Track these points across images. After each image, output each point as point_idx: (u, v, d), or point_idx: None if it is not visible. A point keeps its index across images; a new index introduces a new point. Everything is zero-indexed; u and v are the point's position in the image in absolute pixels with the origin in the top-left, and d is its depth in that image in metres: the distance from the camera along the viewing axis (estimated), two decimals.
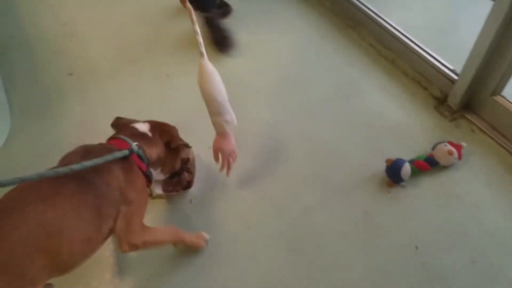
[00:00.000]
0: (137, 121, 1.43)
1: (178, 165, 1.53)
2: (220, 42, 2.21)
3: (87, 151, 1.19)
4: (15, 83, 2.23)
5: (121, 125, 1.41)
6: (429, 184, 1.61)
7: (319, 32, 2.32)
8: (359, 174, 1.67)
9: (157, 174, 1.44)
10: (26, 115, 2.07)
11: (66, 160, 1.17)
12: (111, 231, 1.16)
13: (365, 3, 2.23)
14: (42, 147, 1.87)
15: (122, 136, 1.29)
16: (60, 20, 2.57)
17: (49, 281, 1.09)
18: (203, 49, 1.34)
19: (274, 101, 1.99)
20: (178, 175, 1.62)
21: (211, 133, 1.48)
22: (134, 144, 1.26)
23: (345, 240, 1.49)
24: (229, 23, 2.34)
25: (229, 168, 1.54)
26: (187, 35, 2.31)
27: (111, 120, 1.43)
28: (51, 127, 1.97)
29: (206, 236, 1.52)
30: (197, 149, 1.72)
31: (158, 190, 1.61)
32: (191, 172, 1.67)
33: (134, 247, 1.21)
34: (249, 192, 1.67)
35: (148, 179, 1.33)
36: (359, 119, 1.88)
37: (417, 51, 1.96)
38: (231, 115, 1.42)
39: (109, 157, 1.12)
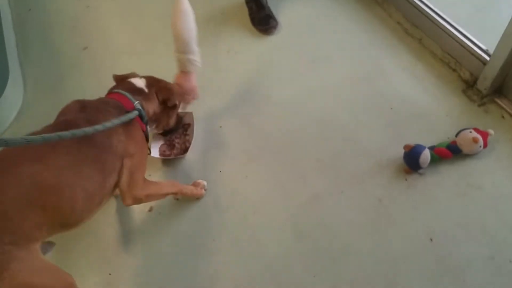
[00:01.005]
0: (134, 76, 1.43)
1: (173, 122, 1.55)
2: (261, 22, 2.12)
3: (82, 106, 1.20)
4: (30, 56, 2.24)
5: (119, 79, 1.43)
6: (449, 172, 1.51)
7: (344, 8, 2.19)
8: (375, 160, 1.59)
9: (151, 130, 1.46)
10: (40, 88, 2.08)
11: (63, 115, 1.19)
12: (116, 185, 1.19)
13: None
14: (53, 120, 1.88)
15: (121, 91, 1.29)
16: None
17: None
18: None
19: (292, 80, 1.91)
20: (171, 132, 1.64)
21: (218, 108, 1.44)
22: (137, 103, 1.28)
23: (356, 228, 1.44)
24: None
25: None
26: (205, 12, 2.24)
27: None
28: (64, 100, 1.95)
29: (204, 182, 1.55)
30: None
31: (154, 153, 1.62)
32: (189, 137, 1.68)
33: (138, 200, 1.24)
34: (257, 170, 1.62)
35: (146, 136, 1.35)
36: (380, 102, 1.77)
37: (447, 29, 1.81)
38: (196, 55, 1.47)
39: (117, 121, 1.12)
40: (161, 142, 1.70)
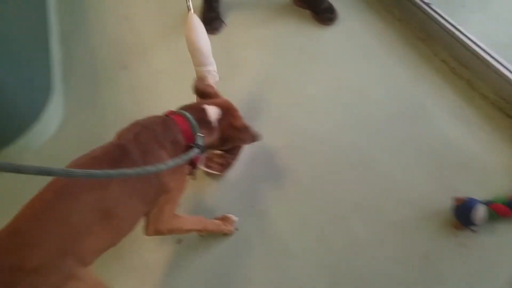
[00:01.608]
0: (216, 99, 1.37)
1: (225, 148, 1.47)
2: (322, 13, 2.22)
3: (139, 132, 1.17)
4: (72, 72, 2.23)
5: (200, 92, 1.40)
6: (509, 233, 1.36)
7: (383, 43, 2.11)
8: (420, 210, 1.46)
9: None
10: (79, 104, 2.06)
11: (120, 138, 1.18)
12: (146, 215, 1.20)
13: (441, 13, 1.98)
14: (92, 137, 1.85)
15: (191, 119, 1.23)
16: (121, 13, 2.55)
17: None
18: (190, 4, 1.48)
19: (327, 112, 1.82)
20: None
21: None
22: (199, 136, 1.22)
23: (396, 285, 1.30)
24: None
25: None
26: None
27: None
28: (102, 118, 1.96)
29: (235, 218, 1.49)
30: None
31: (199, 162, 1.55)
32: (234, 158, 1.63)
33: (159, 233, 1.24)
34: (291, 208, 1.52)
35: (194, 165, 1.32)
36: (424, 146, 1.65)
37: (500, 71, 1.70)
38: (213, 67, 1.50)
39: (179, 160, 1.08)
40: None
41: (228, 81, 1.98)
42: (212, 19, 2.24)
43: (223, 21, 2.27)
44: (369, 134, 1.72)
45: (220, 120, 1.32)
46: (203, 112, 1.30)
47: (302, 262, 1.39)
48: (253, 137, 1.42)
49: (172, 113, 1.28)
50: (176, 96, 1.98)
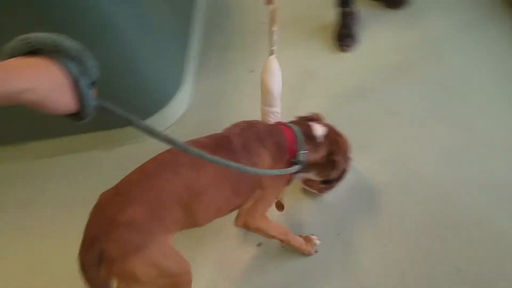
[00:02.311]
0: (318, 120, 1.45)
1: (334, 176, 1.49)
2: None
3: (245, 128, 1.29)
4: (206, 67, 2.47)
5: (302, 119, 1.47)
6: None
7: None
8: None
9: (310, 176, 1.49)
10: (205, 98, 2.28)
11: (227, 130, 1.31)
12: (238, 207, 1.28)
13: None
14: (207, 131, 1.95)
15: (298, 133, 1.31)
16: (261, 20, 2.64)
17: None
18: (275, 48, 1.55)
19: (451, 159, 1.64)
20: (330, 183, 1.57)
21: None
22: (302, 153, 1.28)
23: None
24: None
25: None
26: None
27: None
28: (222, 115, 2.13)
29: (317, 241, 1.49)
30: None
31: (298, 177, 1.59)
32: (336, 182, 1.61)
33: (246, 227, 1.30)
34: (378, 253, 1.43)
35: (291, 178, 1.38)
36: None
37: None
38: (278, 109, 1.59)
39: (277, 172, 1.19)
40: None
41: (347, 103, 1.96)
42: (344, 36, 2.24)
43: (355, 40, 2.24)
44: (491, 196, 1.50)
45: (326, 138, 1.36)
46: (309, 127, 1.36)
47: None
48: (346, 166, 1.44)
49: (280, 123, 1.36)
50: (295, 109, 2.04)
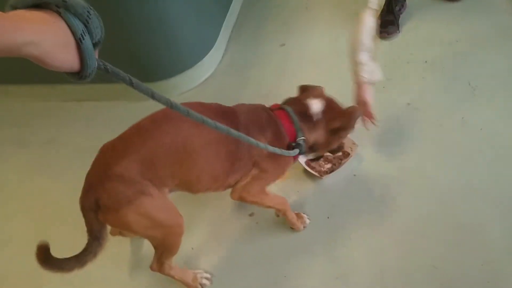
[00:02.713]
0: (317, 94, 1.41)
1: (333, 148, 1.51)
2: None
3: (250, 110, 1.32)
4: (239, 35, 2.49)
5: (302, 90, 1.47)
6: None
7: None
8: None
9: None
10: (232, 65, 2.31)
11: (240, 107, 1.34)
12: (235, 184, 1.33)
13: None
14: (228, 98, 1.89)
15: (293, 116, 1.32)
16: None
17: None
18: (373, 5, 1.41)
19: (470, 164, 1.58)
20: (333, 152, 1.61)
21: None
22: (301, 139, 1.31)
23: None
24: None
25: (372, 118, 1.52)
26: None
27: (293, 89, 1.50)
28: (244, 85, 2.17)
29: (307, 220, 1.54)
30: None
31: (301, 159, 1.65)
32: (338, 165, 1.66)
33: (242, 200, 1.36)
34: (366, 242, 1.46)
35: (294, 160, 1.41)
36: None
37: None
38: (374, 67, 1.42)
39: (278, 150, 1.18)
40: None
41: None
42: (387, 23, 2.16)
43: (398, 28, 2.17)
44: (489, 205, 1.46)
45: (324, 113, 1.35)
46: (304, 106, 1.35)
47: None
48: (355, 118, 1.41)
49: (276, 107, 1.37)
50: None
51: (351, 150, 1.66)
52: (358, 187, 1.62)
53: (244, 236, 1.57)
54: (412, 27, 2.19)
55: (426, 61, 2.00)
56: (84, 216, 1.14)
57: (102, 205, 1.11)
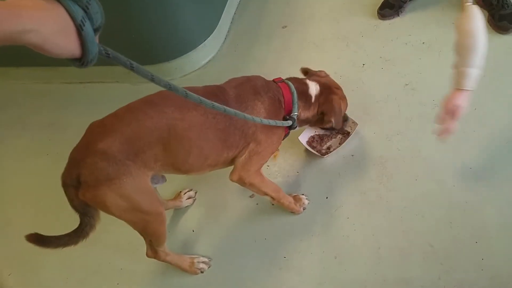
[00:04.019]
0: (318, 78, 1.49)
1: (337, 125, 1.54)
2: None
3: (244, 82, 1.34)
4: (241, 17, 2.48)
5: (305, 71, 1.55)
6: None
7: None
8: None
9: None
10: (234, 46, 2.31)
11: (230, 82, 1.36)
12: (234, 160, 1.34)
13: None
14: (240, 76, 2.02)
15: (293, 90, 1.37)
16: None
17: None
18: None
19: (469, 151, 1.58)
20: (333, 129, 1.67)
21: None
22: (295, 114, 1.35)
23: None
24: None
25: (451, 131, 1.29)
26: None
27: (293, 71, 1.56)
28: (245, 65, 2.17)
29: (306, 201, 1.56)
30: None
31: (303, 138, 1.69)
32: (338, 145, 1.69)
33: (241, 182, 1.36)
34: (361, 221, 1.49)
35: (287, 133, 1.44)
36: None
37: None
38: (479, 70, 1.19)
39: (272, 122, 1.22)
40: (315, 133, 1.73)
41: (367, 70, 1.94)
42: (385, 5, 2.15)
43: (396, 11, 2.14)
44: (485, 188, 1.47)
45: (319, 96, 1.43)
46: (305, 85, 1.43)
47: (351, 268, 1.39)
48: (341, 123, 1.51)
49: (280, 80, 1.41)
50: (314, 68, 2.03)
51: (351, 129, 1.68)
52: (356, 167, 1.64)
53: (245, 217, 1.61)
54: (410, 9, 2.17)
55: (423, 42, 1.99)
56: (65, 192, 1.14)
57: (82, 182, 1.10)
